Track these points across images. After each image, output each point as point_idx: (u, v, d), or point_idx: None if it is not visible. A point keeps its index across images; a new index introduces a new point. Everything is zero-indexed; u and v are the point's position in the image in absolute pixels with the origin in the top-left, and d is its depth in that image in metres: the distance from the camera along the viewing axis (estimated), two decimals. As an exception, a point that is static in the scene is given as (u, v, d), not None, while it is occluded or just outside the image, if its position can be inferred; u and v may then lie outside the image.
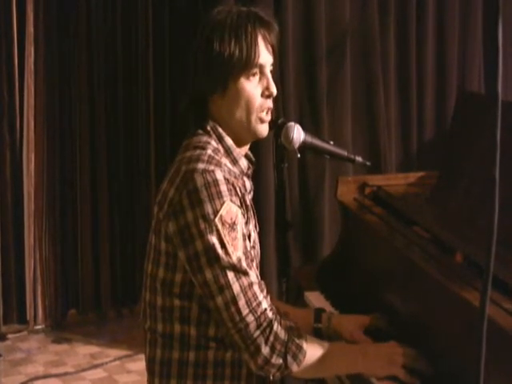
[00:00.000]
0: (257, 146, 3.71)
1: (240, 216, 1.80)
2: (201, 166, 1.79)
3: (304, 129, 2.15)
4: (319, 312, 2.17)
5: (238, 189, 1.81)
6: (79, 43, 4.37)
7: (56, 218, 4.44)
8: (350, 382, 2.05)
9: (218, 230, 1.75)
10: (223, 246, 1.76)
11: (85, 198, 4.47)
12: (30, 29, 4.25)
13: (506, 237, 1.79)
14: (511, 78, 4.75)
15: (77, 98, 4.41)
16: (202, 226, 1.75)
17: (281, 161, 2.17)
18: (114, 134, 4.52)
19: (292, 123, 2.13)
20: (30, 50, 4.27)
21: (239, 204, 1.81)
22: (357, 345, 2.05)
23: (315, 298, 2.49)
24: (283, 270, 2.26)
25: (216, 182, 1.77)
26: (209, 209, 1.75)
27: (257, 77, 1.89)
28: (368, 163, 2.27)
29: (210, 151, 1.83)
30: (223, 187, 1.77)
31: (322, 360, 1.86)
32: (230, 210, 1.77)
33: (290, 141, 2.11)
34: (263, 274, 4.10)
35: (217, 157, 1.83)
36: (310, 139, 2.15)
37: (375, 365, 1.92)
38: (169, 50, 4.52)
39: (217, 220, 1.75)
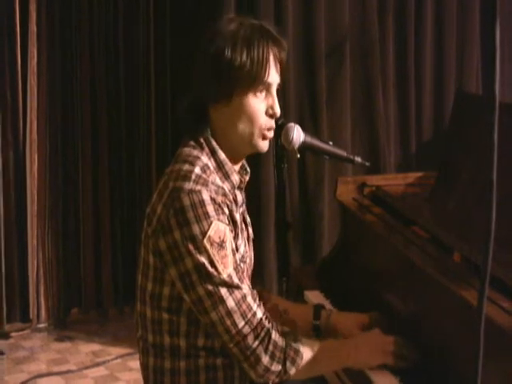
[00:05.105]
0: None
1: (228, 233, 1.78)
2: (187, 185, 1.76)
3: (304, 129, 2.15)
4: (318, 309, 2.17)
5: (225, 208, 1.79)
6: (82, 44, 4.37)
7: (59, 219, 4.44)
8: (345, 375, 2.07)
9: (207, 251, 1.74)
10: (213, 265, 1.75)
11: (87, 198, 4.47)
12: (33, 29, 4.25)
13: (502, 236, 1.79)
14: (507, 79, 4.75)
15: (79, 100, 4.40)
16: (191, 246, 1.74)
17: (281, 161, 2.17)
18: (116, 135, 4.52)
19: (292, 124, 2.13)
20: (33, 51, 4.26)
21: (227, 222, 1.79)
22: (347, 339, 2.06)
23: (315, 297, 2.49)
24: (283, 269, 2.27)
25: (202, 203, 1.75)
26: (197, 230, 1.74)
27: (263, 93, 1.86)
28: (367, 163, 2.27)
29: (197, 169, 1.80)
30: (210, 207, 1.75)
31: (316, 360, 1.86)
32: (218, 228, 1.75)
33: (289, 141, 2.11)
34: (264, 274, 4.11)
35: (204, 175, 1.80)
36: (309, 140, 2.15)
37: (367, 356, 1.95)
38: (170, 52, 4.51)
39: (205, 241, 1.74)
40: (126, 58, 4.48)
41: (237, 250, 1.84)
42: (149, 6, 4.48)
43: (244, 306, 1.78)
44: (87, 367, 4.00)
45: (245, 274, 1.85)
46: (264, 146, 1.89)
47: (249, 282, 1.85)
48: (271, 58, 1.85)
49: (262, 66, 1.82)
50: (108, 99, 4.47)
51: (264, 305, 1.89)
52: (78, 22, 4.35)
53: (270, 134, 1.90)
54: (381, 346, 1.96)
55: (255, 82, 1.83)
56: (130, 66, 4.49)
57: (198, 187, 1.76)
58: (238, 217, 1.87)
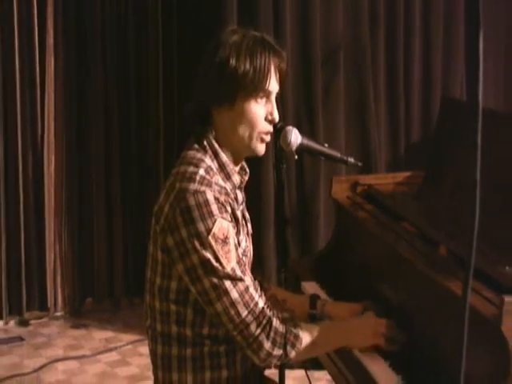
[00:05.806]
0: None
1: (231, 229, 1.79)
2: (192, 186, 1.76)
3: (301, 132, 2.15)
4: (314, 299, 2.18)
5: (227, 206, 1.80)
6: (95, 55, 4.37)
7: (74, 215, 4.45)
8: (336, 355, 2.07)
9: (211, 247, 1.74)
10: (217, 260, 1.75)
11: (100, 196, 4.48)
12: (50, 41, 4.25)
13: (484, 232, 1.79)
14: (490, 84, 4.75)
15: (92, 105, 4.41)
16: (197, 243, 1.74)
17: (280, 162, 2.16)
18: (127, 137, 4.53)
19: (290, 127, 2.12)
20: (50, 61, 4.27)
21: (229, 219, 1.79)
22: (342, 322, 2.07)
23: (311, 288, 2.49)
24: (282, 262, 2.26)
25: (207, 203, 1.75)
26: (202, 227, 1.74)
27: (263, 100, 1.87)
28: (360, 164, 2.27)
29: (202, 171, 1.80)
30: (214, 206, 1.75)
31: (314, 343, 1.87)
32: (222, 226, 1.75)
33: (288, 143, 2.10)
34: (264, 267, 4.10)
35: (208, 176, 1.80)
36: (306, 142, 2.14)
37: (360, 337, 1.96)
38: (177, 61, 4.52)
39: (210, 237, 1.74)
40: (137, 67, 4.49)
41: (239, 244, 1.84)
42: (157, 19, 4.49)
43: (247, 297, 1.78)
44: (100, 352, 4.00)
45: (246, 266, 1.85)
46: (261, 149, 1.91)
47: (251, 274, 1.85)
48: (272, 67, 1.86)
49: (264, 75, 1.83)
50: (119, 104, 4.47)
51: (264, 294, 1.89)
52: (92, 33, 4.35)
53: (267, 138, 1.91)
54: (373, 327, 1.97)
55: (257, 89, 1.83)
56: (140, 73, 4.50)
57: (203, 188, 1.76)
58: (239, 214, 1.87)
